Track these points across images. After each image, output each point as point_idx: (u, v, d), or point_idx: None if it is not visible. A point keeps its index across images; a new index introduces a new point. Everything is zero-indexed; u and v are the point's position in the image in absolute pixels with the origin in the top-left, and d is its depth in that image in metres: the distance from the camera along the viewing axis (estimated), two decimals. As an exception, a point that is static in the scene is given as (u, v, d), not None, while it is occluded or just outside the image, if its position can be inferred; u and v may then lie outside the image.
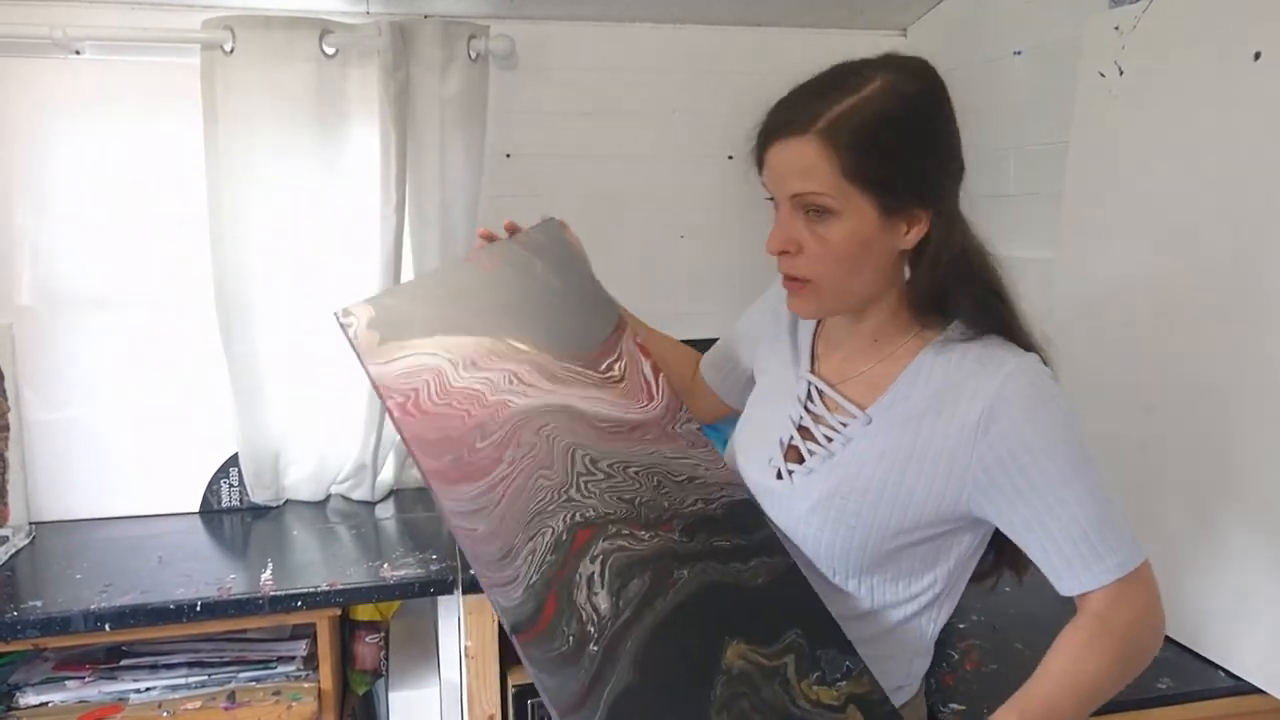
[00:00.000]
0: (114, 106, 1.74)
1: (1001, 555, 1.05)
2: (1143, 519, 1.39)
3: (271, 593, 1.47)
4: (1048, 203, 1.62)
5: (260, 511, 1.88)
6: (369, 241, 1.79)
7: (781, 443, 1.03)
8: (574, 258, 1.17)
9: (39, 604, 1.43)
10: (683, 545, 1.01)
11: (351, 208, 1.81)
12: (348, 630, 1.73)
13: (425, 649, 1.77)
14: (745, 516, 1.04)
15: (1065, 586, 0.92)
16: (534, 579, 0.98)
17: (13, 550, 1.65)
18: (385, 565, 1.57)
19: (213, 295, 1.75)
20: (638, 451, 1.07)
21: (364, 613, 1.73)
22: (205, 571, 1.56)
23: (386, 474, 1.95)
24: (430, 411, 1.04)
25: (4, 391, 1.74)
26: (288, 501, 1.92)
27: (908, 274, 0.96)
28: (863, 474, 0.95)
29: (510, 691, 1.52)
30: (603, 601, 0.98)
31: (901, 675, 1.03)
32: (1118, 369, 1.44)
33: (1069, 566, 0.91)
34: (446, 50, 1.76)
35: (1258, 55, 1.22)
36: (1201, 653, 1.30)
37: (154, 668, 1.55)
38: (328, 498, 1.95)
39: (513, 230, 1.15)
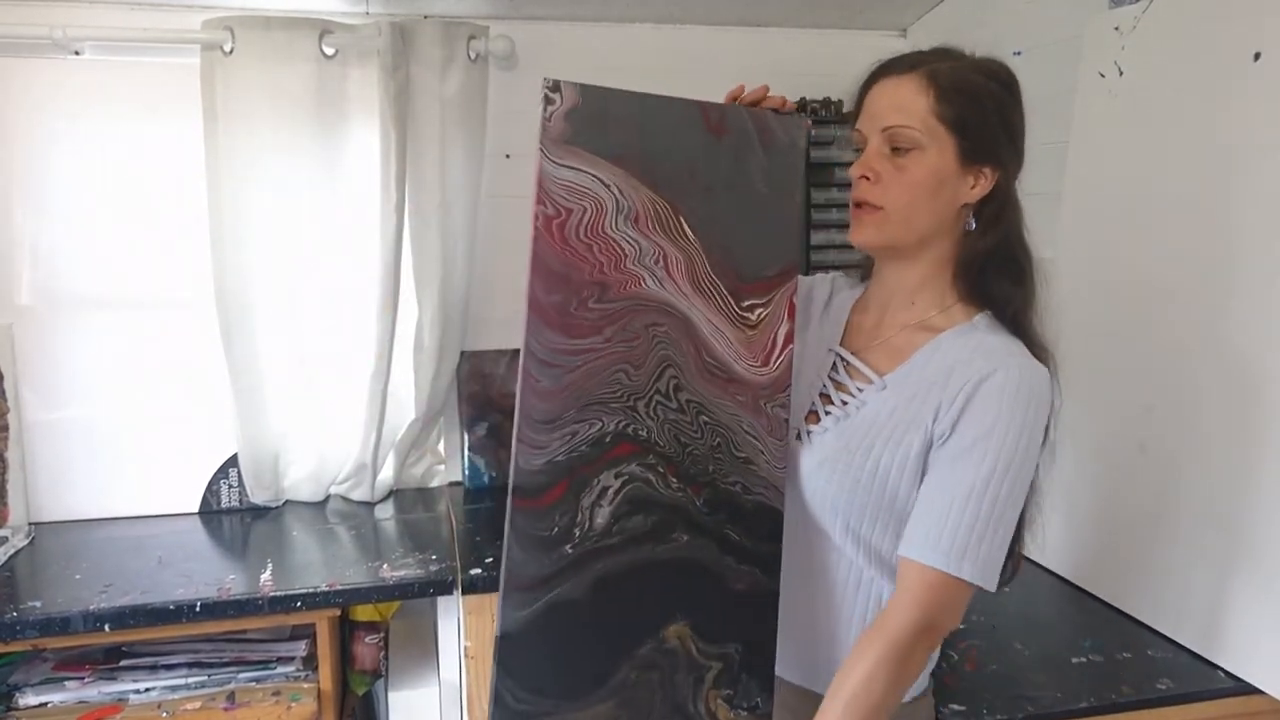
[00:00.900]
0: (114, 107, 1.75)
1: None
2: (1142, 519, 1.39)
3: (271, 593, 1.47)
4: (1048, 203, 1.62)
5: (260, 512, 1.88)
6: (369, 241, 1.79)
7: (804, 409, 1.07)
8: (797, 174, 1.07)
9: (38, 604, 1.43)
10: (699, 513, 1.00)
11: (351, 208, 1.81)
12: (347, 630, 1.73)
13: (425, 649, 1.77)
14: (767, 524, 1.02)
15: (904, 545, 0.95)
16: (560, 458, 0.97)
17: (12, 550, 1.65)
18: (385, 566, 1.57)
19: (213, 295, 1.75)
20: (721, 405, 1.02)
21: (363, 613, 1.73)
22: (205, 572, 1.55)
23: (386, 474, 1.95)
24: (569, 243, 0.99)
25: (4, 391, 1.74)
26: (287, 502, 1.92)
27: (973, 223, 1.03)
28: (870, 433, 0.99)
29: (510, 692, 1.51)
30: (601, 517, 0.98)
31: None
32: (1118, 369, 1.44)
33: (925, 534, 0.93)
34: (446, 50, 1.76)
35: (1258, 55, 1.22)
36: (1201, 653, 1.29)
37: (154, 668, 1.55)
38: (327, 498, 1.95)
39: (760, 103, 1.06)
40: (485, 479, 1.99)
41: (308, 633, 1.61)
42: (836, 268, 1.49)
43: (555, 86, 0.99)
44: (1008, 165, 1.00)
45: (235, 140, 1.70)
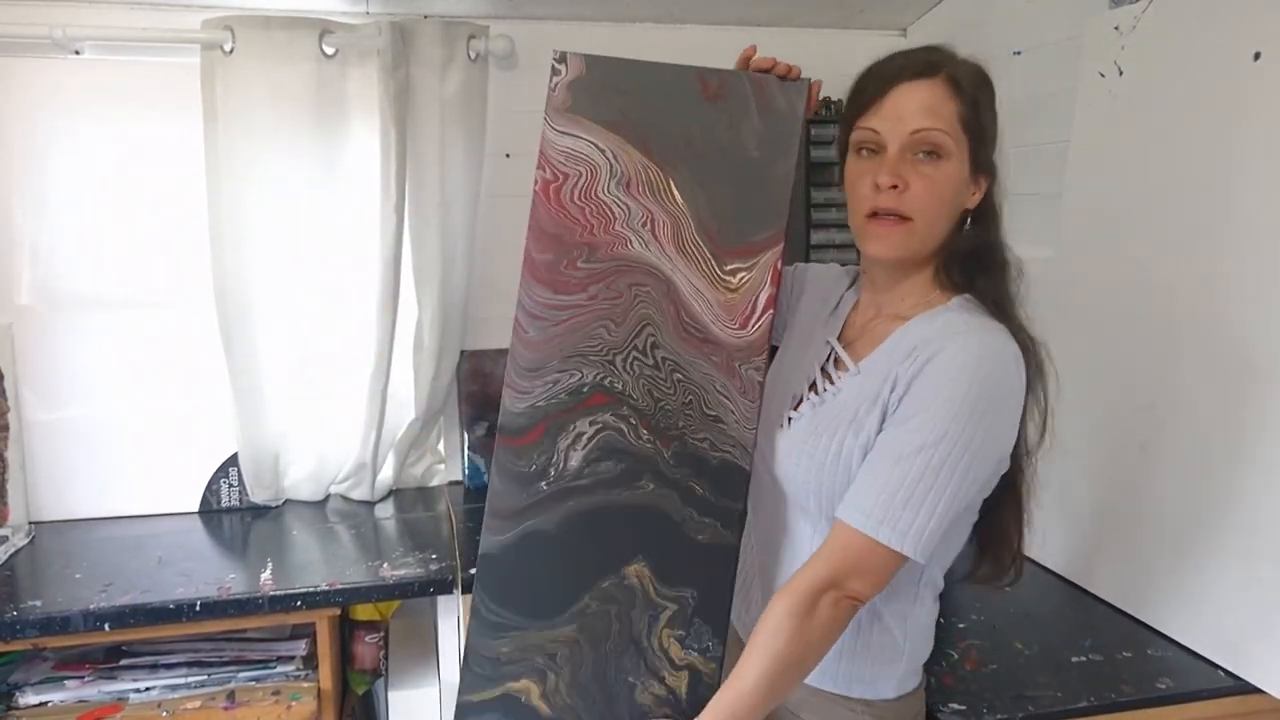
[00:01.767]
0: (114, 106, 1.74)
1: (985, 553, 1.07)
2: (1142, 518, 1.39)
3: (271, 592, 1.47)
4: (1048, 203, 1.62)
5: (260, 511, 1.88)
6: (369, 241, 1.79)
7: (795, 397, 1.08)
8: (792, 140, 1.09)
9: (38, 604, 1.43)
10: (666, 466, 1.07)
11: (351, 207, 1.81)
12: (347, 630, 1.73)
13: (425, 649, 1.77)
14: (731, 482, 1.07)
15: (839, 508, 0.96)
16: (540, 403, 1.08)
17: (12, 550, 1.65)
18: (385, 565, 1.57)
19: (213, 295, 1.75)
20: (695, 364, 1.08)
21: (363, 612, 1.73)
22: (205, 571, 1.56)
23: (386, 474, 1.95)
24: (564, 206, 1.08)
25: (4, 391, 1.74)
26: (287, 501, 1.92)
27: (969, 224, 1.04)
28: (837, 417, 1.01)
29: (510, 691, 1.51)
30: (575, 460, 1.08)
31: (891, 656, 1.03)
32: (1118, 369, 1.44)
33: (852, 495, 0.94)
34: (446, 50, 1.76)
35: (1258, 55, 1.22)
36: (1201, 652, 1.30)
37: (153, 667, 1.55)
38: (327, 497, 1.95)
39: (760, 69, 1.07)
40: (485, 478, 1.99)
41: (308, 632, 1.61)
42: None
43: (562, 58, 1.08)
44: (997, 169, 1.02)
45: (235, 140, 1.70)
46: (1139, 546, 1.40)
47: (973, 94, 0.98)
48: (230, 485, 1.88)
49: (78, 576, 1.54)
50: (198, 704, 1.51)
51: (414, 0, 1.81)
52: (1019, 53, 1.72)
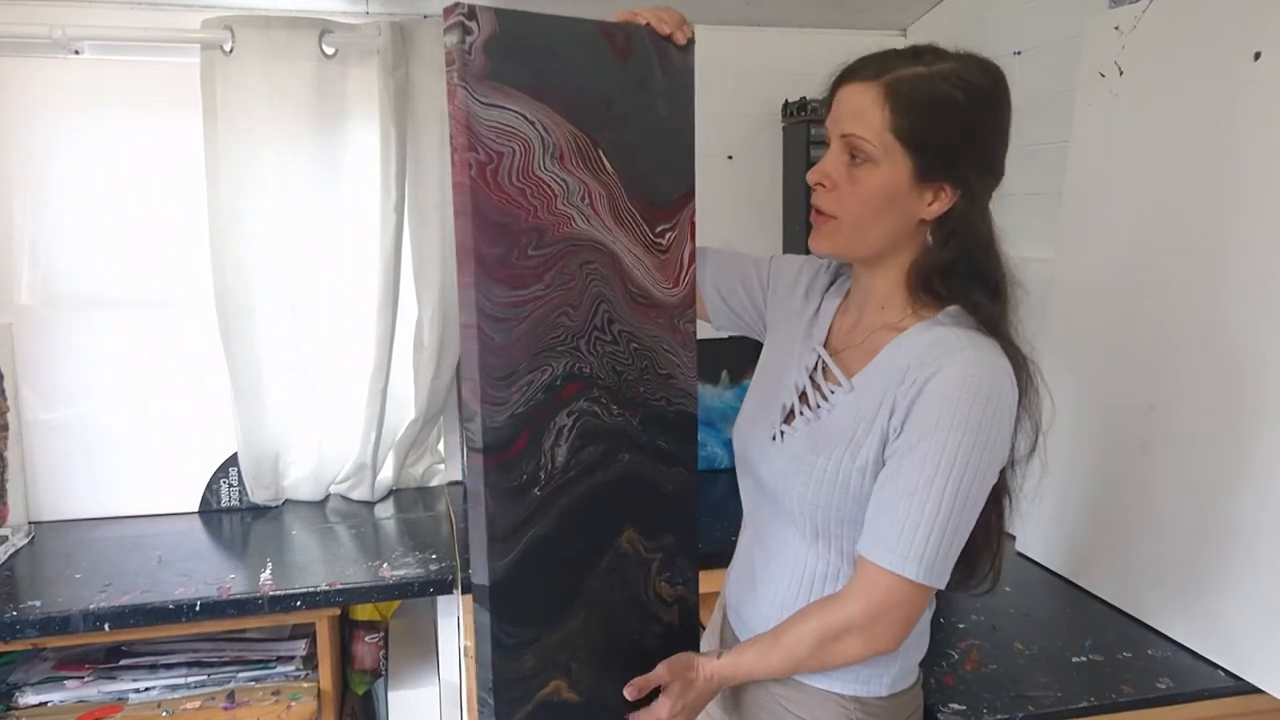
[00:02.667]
0: (114, 106, 1.74)
1: (961, 560, 1.04)
2: (1143, 518, 1.39)
3: (271, 592, 1.47)
4: (1048, 203, 1.62)
5: (259, 511, 1.88)
6: (369, 240, 1.79)
7: (784, 408, 1.08)
8: (689, 94, 1.08)
9: (38, 604, 1.43)
10: (637, 432, 1.09)
11: (351, 206, 1.81)
12: (347, 630, 1.73)
13: (425, 649, 1.77)
14: (686, 428, 1.13)
15: (861, 542, 0.97)
16: (520, 410, 1.01)
17: (12, 550, 1.65)
18: (385, 565, 1.57)
19: (213, 295, 1.75)
20: (645, 329, 1.09)
21: (363, 612, 1.73)
22: (204, 571, 1.55)
23: (386, 474, 1.95)
24: (505, 190, 0.97)
25: (4, 391, 1.74)
26: (287, 501, 1.92)
27: (930, 239, 1.00)
28: (834, 436, 1.00)
29: (510, 691, 1.51)
30: (561, 455, 1.05)
31: (886, 656, 1.03)
32: (1118, 369, 1.44)
33: (876, 533, 0.95)
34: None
35: (1258, 55, 1.22)
36: (1201, 652, 1.30)
37: (153, 667, 1.55)
38: (327, 497, 1.95)
39: (660, 26, 1.05)
40: (485, 479, 1.98)
41: (307, 632, 1.61)
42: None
43: (471, 13, 0.92)
44: (971, 182, 0.96)
45: (235, 140, 1.70)
46: (1139, 546, 1.40)
47: (914, 105, 0.93)
48: (230, 485, 1.88)
49: (77, 576, 1.54)
50: (198, 704, 1.51)
51: (414, 0, 1.81)
52: (1019, 53, 1.72)
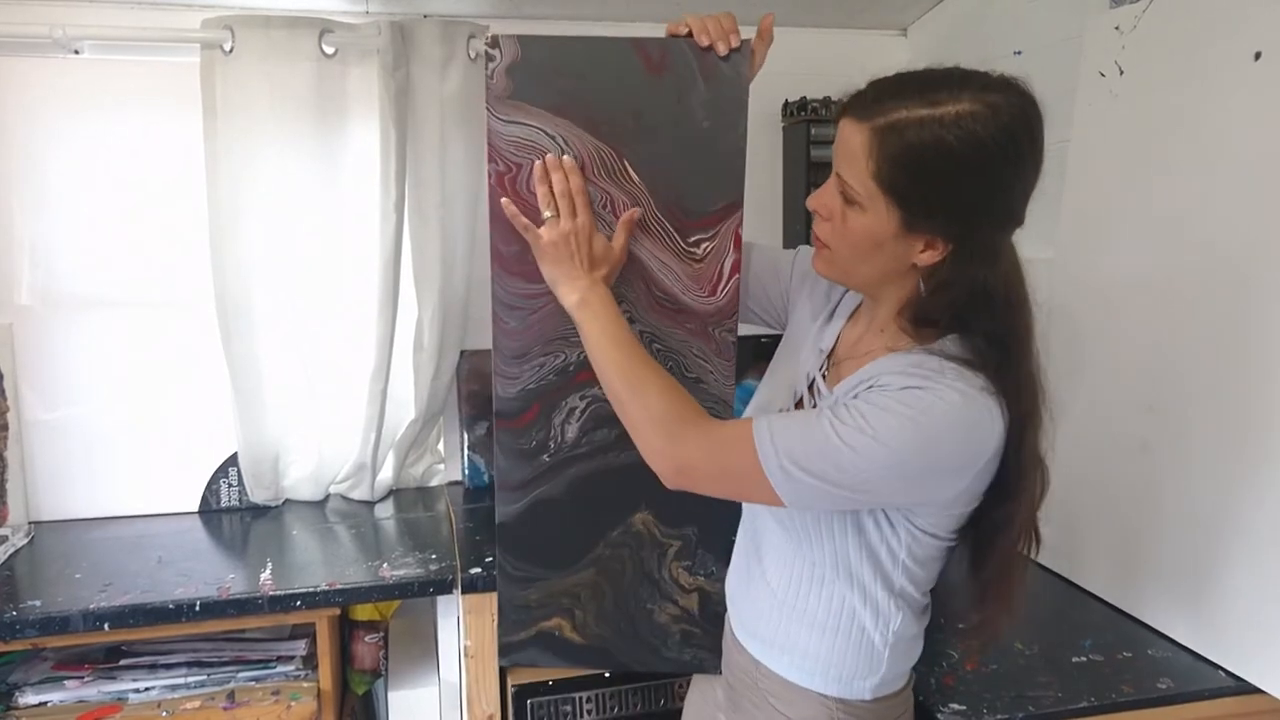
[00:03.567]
0: (114, 106, 1.74)
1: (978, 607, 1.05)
2: (1142, 518, 1.39)
3: (271, 592, 1.47)
4: (1048, 203, 1.62)
5: (259, 511, 1.88)
6: (369, 240, 1.79)
7: (781, 411, 1.08)
8: (740, 105, 1.08)
9: (38, 604, 1.43)
10: None
11: (351, 206, 1.81)
12: (347, 630, 1.73)
13: (425, 649, 1.77)
14: None
15: (759, 417, 0.96)
16: (531, 386, 1.16)
17: (12, 550, 1.65)
18: (384, 565, 1.57)
19: (212, 295, 1.74)
20: (671, 332, 1.15)
21: (363, 612, 1.73)
22: (204, 571, 1.55)
23: (386, 474, 1.95)
24: (521, 197, 1.09)
25: (3, 391, 1.74)
26: (287, 501, 1.92)
27: (923, 288, 0.96)
28: None
29: (510, 691, 1.51)
30: (571, 431, 1.18)
31: (870, 664, 1.04)
32: (1118, 369, 1.44)
33: (776, 420, 0.94)
34: (446, 49, 1.76)
35: (1258, 55, 1.22)
36: (1201, 652, 1.30)
37: (153, 667, 1.55)
38: (327, 497, 1.95)
39: (701, 37, 1.05)
40: (485, 478, 1.99)
41: (307, 632, 1.61)
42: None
43: (494, 42, 1.06)
44: (969, 235, 0.90)
45: (235, 139, 1.70)
46: (1139, 546, 1.40)
47: (903, 155, 0.87)
48: (230, 485, 1.88)
49: (77, 576, 1.54)
50: (197, 704, 1.51)
51: (414, 0, 1.81)
52: (1019, 53, 1.72)
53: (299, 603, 1.48)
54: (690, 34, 1.07)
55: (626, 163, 1.08)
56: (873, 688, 1.05)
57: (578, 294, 1.06)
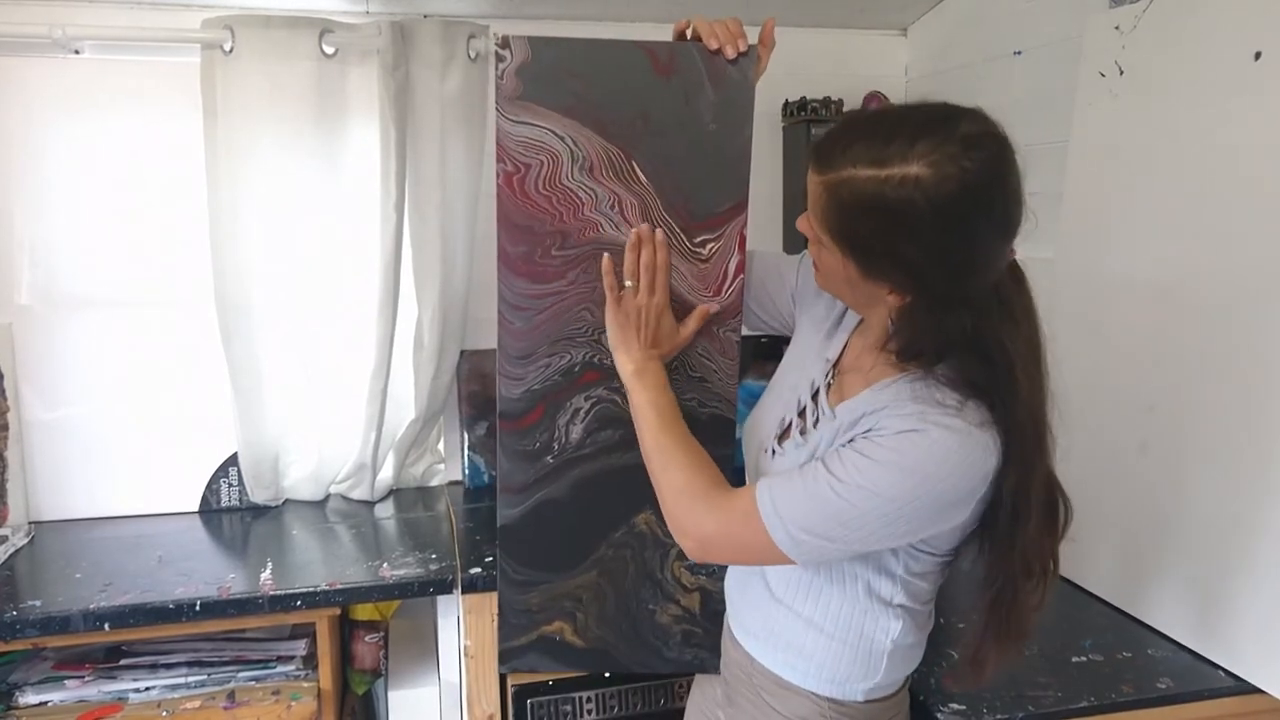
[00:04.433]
0: (114, 106, 1.74)
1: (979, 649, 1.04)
2: (1142, 518, 1.39)
3: (271, 592, 1.47)
4: (1048, 203, 1.62)
5: (260, 511, 1.88)
6: (369, 240, 1.79)
7: (783, 421, 1.08)
8: (747, 109, 1.10)
9: (38, 603, 1.43)
10: None
11: (351, 206, 1.81)
12: (347, 630, 1.73)
13: (425, 649, 1.77)
14: (719, 432, 1.18)
15: (762, 480, 0.97)
16: (536, 387, 1.15)
17: (12, 550, 1.65)
18: (385, 565, 1.57)
19: (213, 295, 1.74)
20: None
21: (363, 612, 1.73)
22: (204, 571, 1.55)
23: (386, 473, 1.95)
24: (530, 197, 1.09)
25: (4, 391, 1.74)
26: (287, 501, 1.92)
27: (891, 327, 0.97)
28: (809, 458, 0.99)
29: (510, 691, 1.51)
30: (576, 432, 1.17)
31: (868, 667, 1.04)
32: (1118, 369, 1.44)
33: (777, 483, 0.96)
34: (446, 50, 1.76)
35: (1258, 55, 1.22)
36: (1201, 652, 1.30)
37: (153, 667, 1.55)
38: (327, 497, 1.95)
39: (710, 40, 1.06)
40: (485, 478, 1.99)
41: (308, 632, 1.61)
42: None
43: (505, 43, 1.06)
44: (931, 285, 0.89)
45: (235, 139, 1.70)
46: (1139, 546, 1.40)
47: (856, 212, 0.87)
48: (230, 485, 1.88)
49: (77, 576, 1.54)
50: (198, 704, 1.51)
51: (414, 0, 1.81)
52: (1019, 53, 1.72)
53: (299, 602, 1.48)
54: (698, 37, 1.08)
55: (635, 164, 1.09)
56: (866, 691, 1.05)
57: (633, 365, 1.09)
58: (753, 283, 1.19)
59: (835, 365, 1.07)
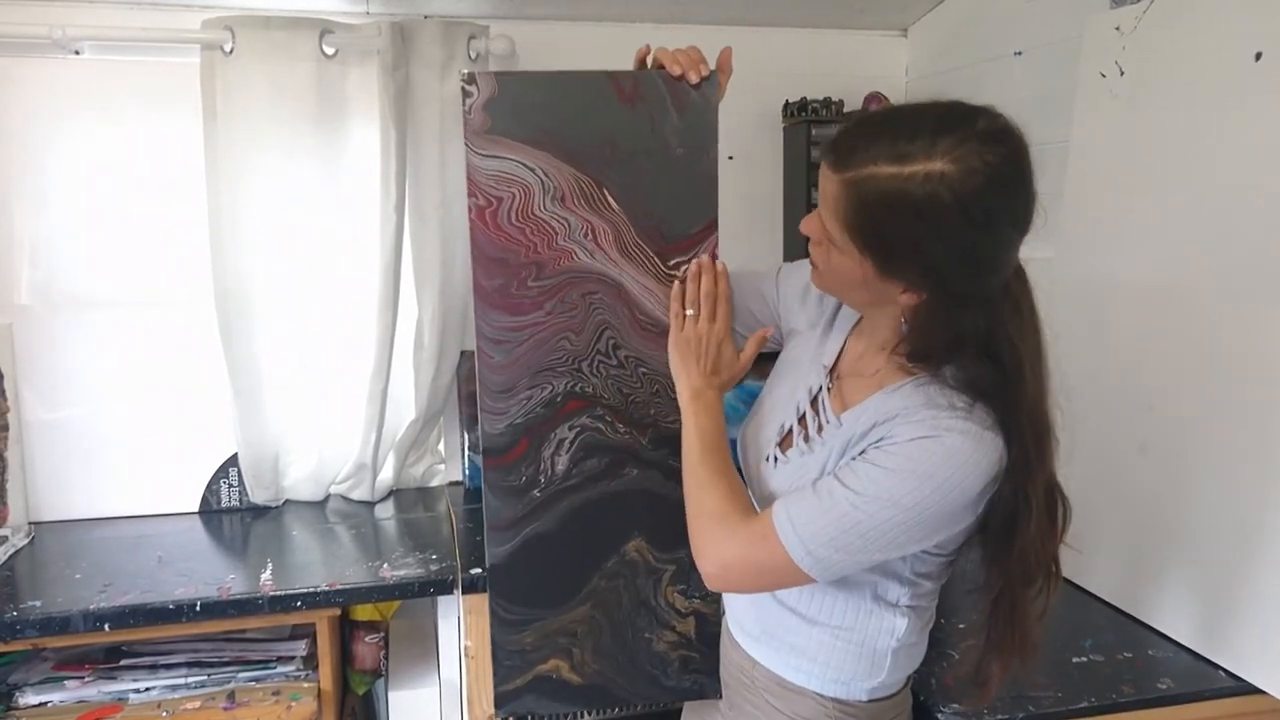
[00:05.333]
0: (114, 106, 1.74)
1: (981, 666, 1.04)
2: (1142, 518, 1.39)
3: (271, 593, 1.47)
4: (1048, 203, 1.61)
5: (260, 511, 1.88)
6: (369, 240, 1.79)
7: (782, 428, 1.07)
8: (710, 131, 1.11)
9: (38, 604, 1.43)
10: (645, 451, 1.16)
11: (351, 207, 1.81)
12: (347, 630, 1.73)
13: (425, 649, 1.77)
14: None
15: (778, 503, 0.97)
16: (519, 420, 1.14)
17: (12, 550, 1.65)
18: (385, 565, 1.57)
19: (213, 295, 1.74)
20: (657, 355, 1.14)
21: (364, 613, 1.73)
22: (205, 571, 1.55)
23: (386, 474, 1.95)
24: (503, 229, 1.09)
25: (4, 391, 1.74)
26: (287, 501, 1.92)
27: (904, 327, 0.97)
28: (817, 470, 0.99)
29: (510, 692, 1.51)
30: (561, 464, 1.15)
31: (872, 666, 1.04)
32: (1118, 369, 1.44)
33: (792, 502, 0.95)
34: (446, 50, 1.76)
35: (1258, 55, 1.22)
36: (1201, 653, 1.30)
37: (153, 668, 1.55)
38: (327, 498, 1.95)
39: (673, 67, 1.07)
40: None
41: (308, 632, 1.61)
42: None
43: (471, 79, 1.06)
44: (947, 284, 0.90)
45: (235, 140, 1.70)
46: (1139, 547, 1.40)
47: (876, 210, 0.87)
48: (230, 485, 1.88)
49: (77, 576, 1.54)
50: (198, 704, 1.50)
51: (414, 0, 1.81)
52: (1019, 53, 1.72)
53: (299, 603, 1.48)
54: (660, 65, 1.09)
55: (606, 191, 1.09)
56: (870, 690, 1.05)
57: (691, 390, 1.08)
58: (738, 309, 1.17)
59: (833, 370, 1.07)
